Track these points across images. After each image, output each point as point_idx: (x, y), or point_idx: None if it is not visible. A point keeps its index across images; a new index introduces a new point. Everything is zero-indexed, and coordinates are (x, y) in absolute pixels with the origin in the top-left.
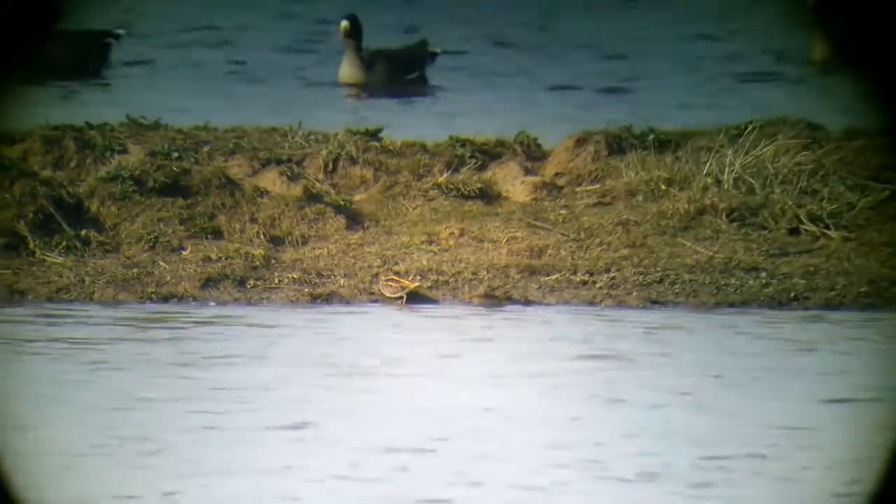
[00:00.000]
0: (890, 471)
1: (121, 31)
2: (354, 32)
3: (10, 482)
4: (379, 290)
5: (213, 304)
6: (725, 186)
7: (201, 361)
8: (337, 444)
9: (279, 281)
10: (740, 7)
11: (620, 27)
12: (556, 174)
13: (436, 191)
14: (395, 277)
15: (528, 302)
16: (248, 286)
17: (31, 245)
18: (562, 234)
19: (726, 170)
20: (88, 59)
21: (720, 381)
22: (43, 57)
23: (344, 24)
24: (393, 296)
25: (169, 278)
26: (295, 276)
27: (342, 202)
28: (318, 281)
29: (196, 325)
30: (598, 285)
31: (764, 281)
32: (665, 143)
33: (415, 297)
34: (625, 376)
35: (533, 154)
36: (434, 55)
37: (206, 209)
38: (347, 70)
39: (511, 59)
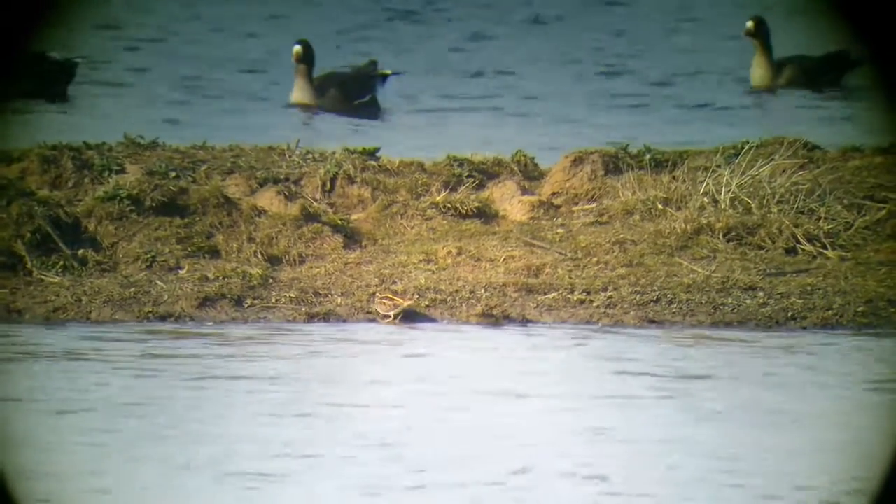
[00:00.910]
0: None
1: (79, 59)
2: (306, 57)
3: (9, 484)
4: (374, 308)
5: (209, 323)
6: (722, 206)
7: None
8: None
9: (276, 300)
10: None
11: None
12: (553, 193)
13: (433, 210)
14: (390, 295)
15: (525, 321)
16: (246, 305)
17: (29, 264)
18: (559, 253)
19: (723, 189)
20: (56, 82)
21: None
22: (13, 79)
23: (297, 48)
24: (387, 314)
25: (166, 297)
26: (292, 295)
27: (340, 221)
28: (315, 300)
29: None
30: (595, 304)
31: (761, 300)
32: (661, 163)
33: (411, 316)
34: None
35: (530, 173)
36: (385, 77)
37: (204, 228)
38: (299, 94)
39: None
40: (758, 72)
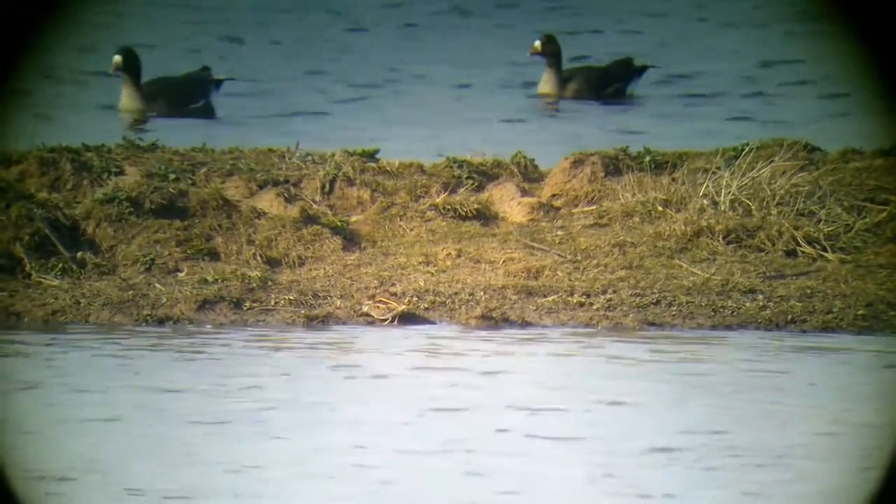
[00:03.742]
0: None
1: None
2: (129, 66)
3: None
4: (369, 312)
5: (209, 326)
6: (722, 208)
7: None
8: None
9: (275, 302)
10: None
11: None
12: (553, 195)
13: (433, 212)
14: (383, 299)
15: (524, 323)
16: (245, 308)
17: (28, 267)
18: (558, 255)
19: (723, 191)
20: None
21: None
22: None
23: (116, 59)
24: (381, 317)
25: (165, 300)
26: (291, 297)
27: (339, 223)
28: (314, 302)
29: None
30: (594, 307)
31: (761, 303)
32: (661, 165)
33: (410, 318)
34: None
35: (529, 175)
36: (219, 83)
37: (203, 231)
38: (126, 102)
39: None
40: (545, 86)
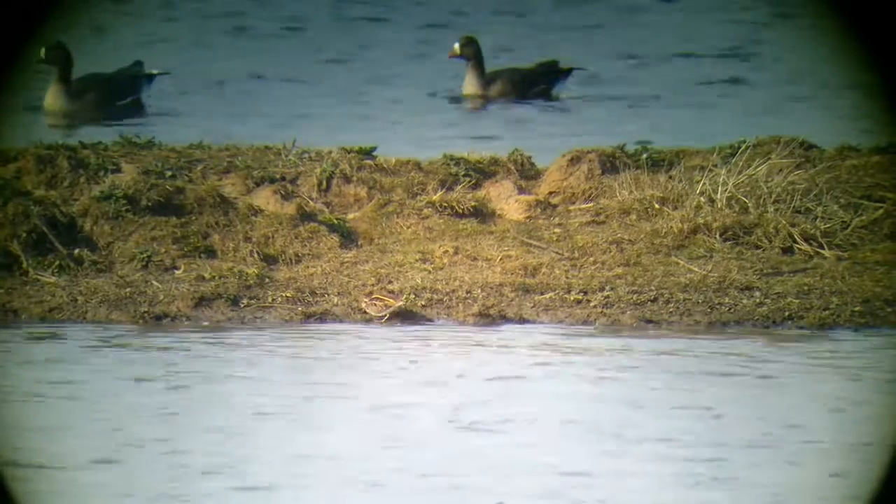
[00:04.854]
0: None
1: None
2: (55, 59)
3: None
4: (366, 309)
5: (205, 323)
6: (719, 205)
7: None
8: None
9: (273, 300)
10: None
11: None
12: (550, 193)
13: (430, 209)
14: (380, 296)
15: (522, 320)
16: (242, 305)
17: (25, 264)
18: (556, 252)
19: (720, 189)
20: None
21: None
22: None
23: (41, 51)
24: (377, 314)
25: (162, 297)
26: (288, 294)
27: (336, 221)
28: (311, 300)
29: None
30: (592, 304)
31: (758, 300)
32: (658, 162)
33: (407, 316)
34: None
35: (527, 172)
36: (151, 77)
37: (200, 228)
38: (51, 99)
39: None
40: (468, 87)
